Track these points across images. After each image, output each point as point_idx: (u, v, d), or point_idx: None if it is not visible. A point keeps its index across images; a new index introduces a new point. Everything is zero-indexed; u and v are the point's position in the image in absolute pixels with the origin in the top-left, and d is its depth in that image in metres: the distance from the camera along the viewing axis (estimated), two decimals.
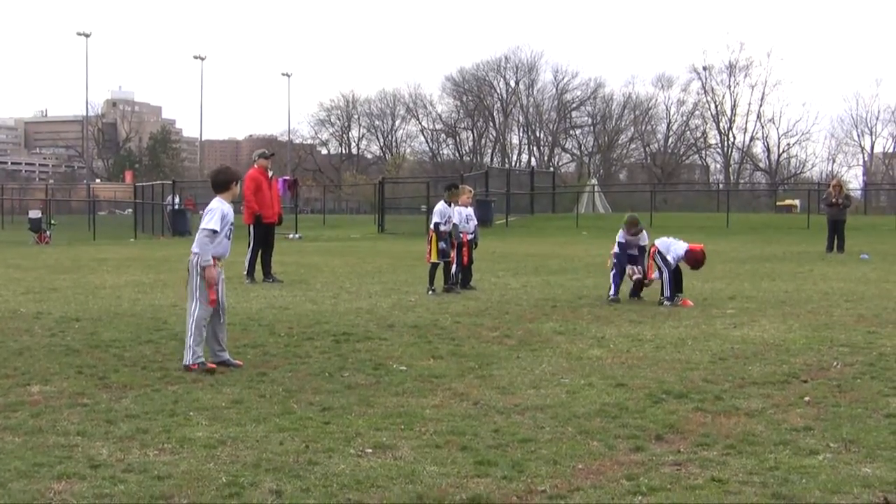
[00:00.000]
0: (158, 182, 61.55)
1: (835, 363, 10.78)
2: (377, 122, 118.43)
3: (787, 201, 75.25)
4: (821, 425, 7.99)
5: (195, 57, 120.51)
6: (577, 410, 8.47)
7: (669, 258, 16.17)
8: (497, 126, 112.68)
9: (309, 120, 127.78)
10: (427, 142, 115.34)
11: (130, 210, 69.15)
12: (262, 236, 20.30)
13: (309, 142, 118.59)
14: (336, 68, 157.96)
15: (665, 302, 16.02)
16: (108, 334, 12.59)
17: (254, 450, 7.11)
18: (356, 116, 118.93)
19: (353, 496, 6.07)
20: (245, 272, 20.13)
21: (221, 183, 10.77)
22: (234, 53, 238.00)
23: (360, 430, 7.72)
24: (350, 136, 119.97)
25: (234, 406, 8.55)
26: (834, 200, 33.10)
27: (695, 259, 16.53)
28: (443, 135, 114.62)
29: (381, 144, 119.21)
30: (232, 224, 10.62)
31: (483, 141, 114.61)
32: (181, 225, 48.38)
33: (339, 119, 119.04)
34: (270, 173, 20.90)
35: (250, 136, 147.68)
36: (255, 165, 20.76)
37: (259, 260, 20.35)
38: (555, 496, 6.11)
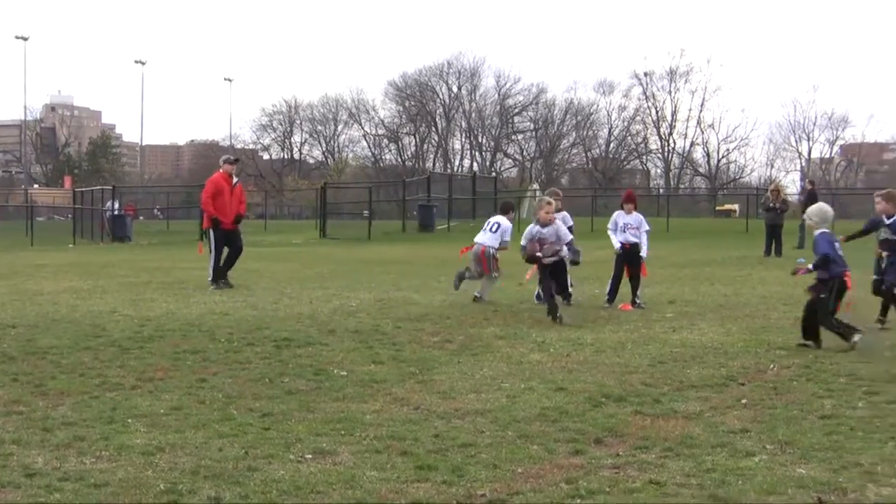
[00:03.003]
0: (98, 187, 60.92)
1: (771, 366, 10.89)
2: (319, 128, 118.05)
3: (727, 206, 75.91)
4: (757, 427, 8.08)
5: (136, 61, 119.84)
6: (518, 414, 8.50)
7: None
8: (439, 131, 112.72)
9: (251, 125, 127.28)
10: (369, 147, 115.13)
11: (70, 215, 68.46)
12: (222, 240, 20.18)
13: (251, 147, 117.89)
14: (278, 73, 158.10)
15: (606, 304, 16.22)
16: (45, 341, 12.45)
17: (193, 456, 7.07)
18: (298, 121, 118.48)
19: (293, 502, 6.07)
20: (210, 278, 19.98)
21: None
22: (176, 58, 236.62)
23: (300, 435, 7.70)
24: (292, 141, 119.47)
25: (173, 412, 8.50)
26: (772, 205, 33.42)
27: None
28: (385, 140, 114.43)
29: (324, 149, 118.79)
30: None
31: (425, 146, 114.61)
32: (121, 230, 47.94)
33: (281, 124, 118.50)
34: (235, 179, 20.80)
35: (191, 141, 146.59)
36: (220, 170, 20.69)
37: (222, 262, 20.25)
38: (495, 500, 6.13)
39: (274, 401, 9.00)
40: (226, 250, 20.20)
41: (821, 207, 12.92)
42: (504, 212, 18.46)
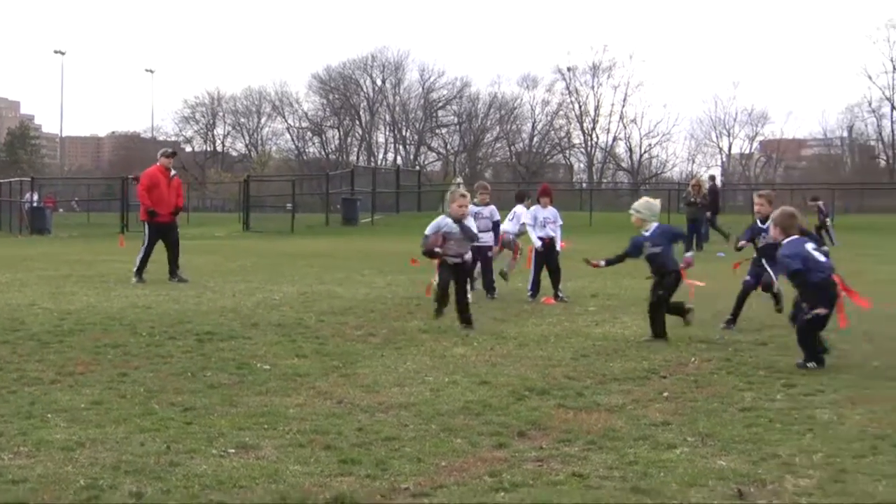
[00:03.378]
0: (17, 179, 59.94)
1: (692, 359, 11.01)
2: (242, 120, 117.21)
3: None
4: (679, 420, 8.17)
5: (55, 52, 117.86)
6: (441, 408, 8.51)
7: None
8: (363, 124, 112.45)
9: (173, 117, 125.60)
10: (293, 140, 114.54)
11: None
12: (155, 234, 19.98)
13: (173, 139, 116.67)
14: (201, 65, 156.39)
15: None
16: None
17: (114, 451, 6.99)
18: (221, 114, 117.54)
19: (216, 497, 6.02)
20: (135, 269, 19.77)
21: None
22: (96, 48, 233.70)
23: (222, 430, 7.65)
24: (215, 133, 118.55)
25: (94, 407, 8.40)
26: (693, 199, 33.80)
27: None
28: (309, 133, 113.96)
29: (247, 142, 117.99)
30: None
31: (349, 139, 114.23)
32: (40, 223, 47.26)
33: (203, 116, 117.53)
34: (173, 172, 20.63)
35: (113, 132, 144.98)
36: (158, 163, 20.54)
37: (165, 259, 20.06)
38: (418, 494, 6.14)
39: (196, 395, 8.93)
40: (159, 249, 20.04)
41: (648, 201, 13.04)
42: (519, 200, 20.36)
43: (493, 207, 17.94)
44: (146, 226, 20.19)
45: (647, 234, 12.80)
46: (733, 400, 8.96)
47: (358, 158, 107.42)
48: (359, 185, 57.55)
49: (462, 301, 13.43)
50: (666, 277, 12.67)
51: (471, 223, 13.76)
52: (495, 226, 17.78)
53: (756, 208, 14.10)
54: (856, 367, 10.59)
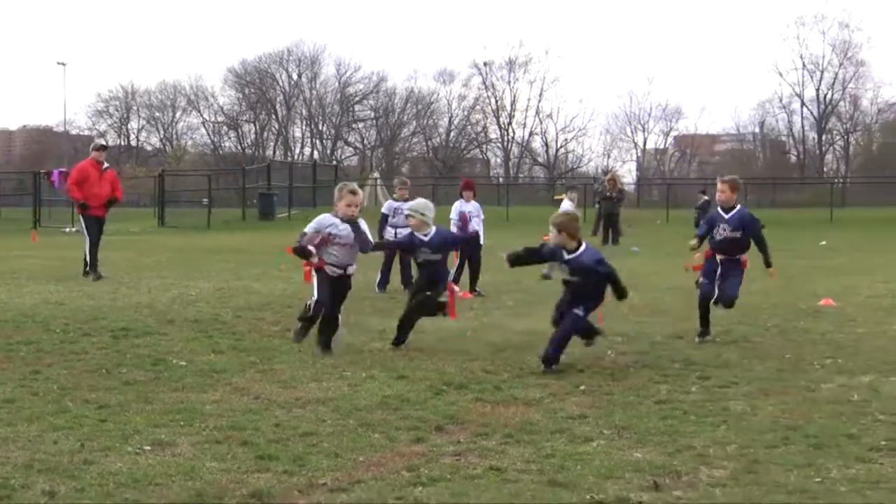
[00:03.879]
0: None
1: (609, 352, 11.11)
2: (157, 114, 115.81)
3: (564, 195, 77.01)
4: (595, 413, 8.23)
5: None
6: (359, 403, 8.50)
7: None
8: (280, 119, 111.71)
9: (86, 111, 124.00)
10: (209, 134, 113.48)
11: None
12: (93, 227, 19.76)
13: (86, 133, 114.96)
14: (114, 58, 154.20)
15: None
16: None
17: (26, 450, 6.89)
18: (135, 108, 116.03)
19: (131, 495, 5.96)
20: (88, 267, 19.49)
21: None
22: (5, 40, 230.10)
23: (138, 427, 7.57)
24: (129, 127, 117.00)
25: (6, 405, 8.27)
26: (608, 194, 34.09)
27: None
28: (225, 127, 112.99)
29: (162, 136, 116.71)
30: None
31: (265, 134, 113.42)
32: None
33: (117, 110, 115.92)
34: (105, 165, 20.38)
35: (24, 126, 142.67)
36: (90, 157, 20.35)
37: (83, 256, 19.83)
38: (336, 489, 6.12)
39: (111, 392, 8.82)
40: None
41: (426, 203, 12.04)
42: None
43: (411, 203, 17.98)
44: (83, 218, 20.02)
45: (425, 238, 11.65)
46: (649, 392, 9.06)
47: (274, 153, 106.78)
48: (275, 179, 57.28)
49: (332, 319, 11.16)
50: (435, 287, 11.60)
51: (365, 227, 11.16)
52: None
53: (718, 196, 12.54)
54: (769, 360, 10.74)
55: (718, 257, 12.27)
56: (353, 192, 11.23)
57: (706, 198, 39.75)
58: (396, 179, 19.88)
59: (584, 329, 10.68)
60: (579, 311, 10.42)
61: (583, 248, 10.50)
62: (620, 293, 10.56)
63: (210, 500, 5.90)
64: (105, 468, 6.46)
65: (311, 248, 10.95)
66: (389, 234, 17.49)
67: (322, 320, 11.08)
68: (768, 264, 12.32)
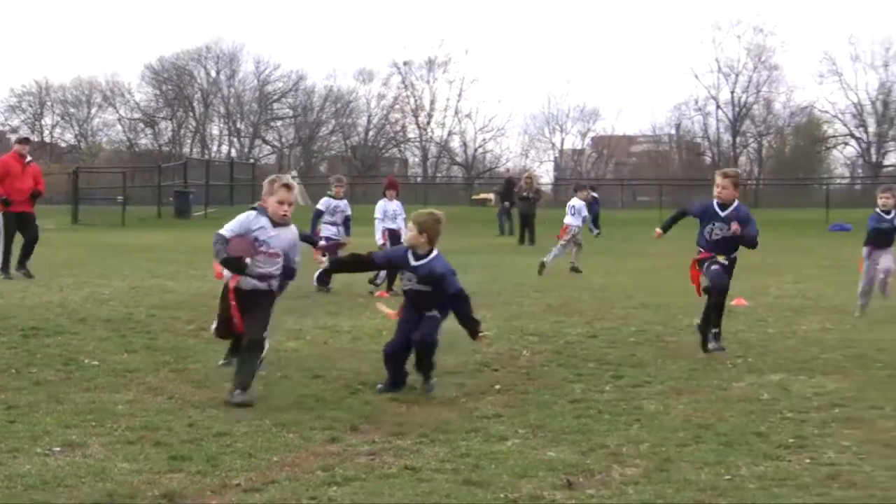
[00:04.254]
0: None
1: (524, 352, 11.17)
2: (72, 110, 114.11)
3: (482, 195, 77.17)
4: (510, 412, 8.27)
5: None
6: (274, 403, 8.46)
7: None
8: (197, 116, 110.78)
9: None
10: (125, 131, 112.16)
11: None
12: (13, 224, 19.28)
13: None
14: (27, 53, 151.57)
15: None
16: None
17: None
18: (49, 103, 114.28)
19: (39, 497, 5.87)
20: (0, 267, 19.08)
21: None
22: None
23: (48, 428, 7.46)
24: (43, 123, 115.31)
25: None
26: (525, 194, 34.24)
27: None
28: (141, 124, 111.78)
29: (76, 133, 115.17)
30: None
31: (183, 131, 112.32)
32: None
33: (30, 106, 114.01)
34: (28, 158, 20.00)
35: None
36: (12, 150, 19.96)
37: (20, 249, 19.37)
38: (250, 489, 6.09)
39: (20, 392, 8.68)
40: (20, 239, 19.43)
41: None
42: (575, 191, 23.52)
43: (346, 201, 18.07)
44: (2, 216, 19.50)
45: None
46: (563, 392, 9.12)
47: (191, 150, 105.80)
48: (192, 177, 56.84)
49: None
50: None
51: (297, 247, 9.15)
52: (346, 220, 17.85)
53: (716, 191, 11.24)
54: (682, 359, 10.87)
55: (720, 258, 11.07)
56: (288, 187, 9.05)
57: (595, 193, 40.69)
58: (334, 177, 19.93)
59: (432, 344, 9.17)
60: (434, 313, 9.26)
61: (434, 254, 9.28)
62: (469, 323, 9.21)
63: (121, 501, 5.84)
64: (13, 470, 6.35)
65: (246, 259, 8.64)
66: (328, 231, 17.36)
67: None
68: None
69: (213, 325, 9.69)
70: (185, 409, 8.19)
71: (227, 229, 8.78)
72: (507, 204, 39.59)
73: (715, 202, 11.20)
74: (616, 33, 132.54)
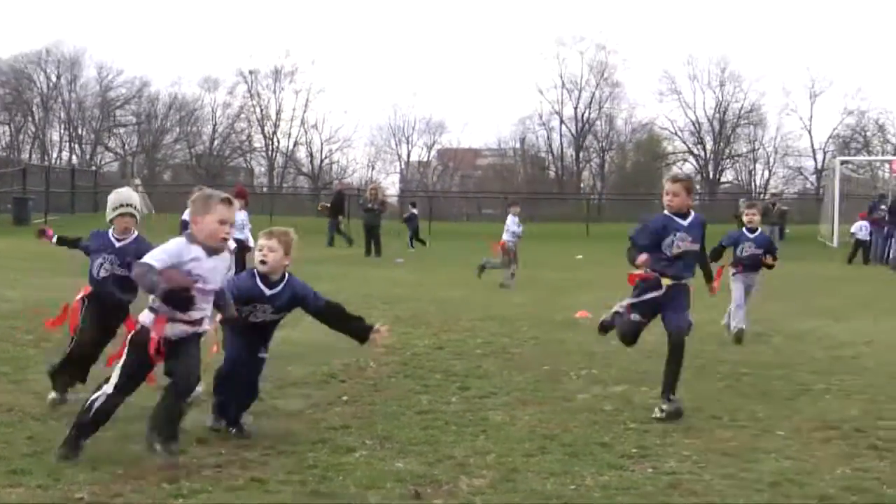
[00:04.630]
0: None
1: (371, 363, 11.18)
2: None
3: (321, 204, 77.00)
4: (358, 423, 8.30)
5: None
6: (118, 414, 8.28)
7: None
8: (37, 121, 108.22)
9: None
10: None
11: None
12: None
13: None
14: None
15: None
16: None
17: None
18: None
19: None
20: None
21: None
22: None
23: None
24: None
25: None
26: (370, 206, 34.27)
27: None
28: None
29: None
30: None
31: (21, 136, 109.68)
32: None
33: None
34: None
35: None
36: None
37: None
38: (94, 503, 5.99)
39: None
40: None
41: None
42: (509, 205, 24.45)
43: (245, 215, 18.30)
44: None
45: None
46: (410, 403, 9.17)
47: (30, 156, 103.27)
48: (31, 184, 55.44)
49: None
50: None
51: (227, 263, 7.36)
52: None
53: (667, 199, 9.37)
54: (527, 370, 11.02)
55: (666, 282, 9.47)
56: (228, 203, 7.21)
57: (414, 210, 41.96)
58: (234, 190, 19.94)
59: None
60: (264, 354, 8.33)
61: (287, 276, 8.43)
62: (356, 326, 8.41)
63: None
64: None
65: (192, 292, 6.87)
66: None
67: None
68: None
69: (59, 361, 8.78)
70: (26, 422, 8.01)
71: (157, 259, 6.86)
72: (340, 218, 39.67)
73: (672, 215, 9.38)
74: (462, 47, 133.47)
